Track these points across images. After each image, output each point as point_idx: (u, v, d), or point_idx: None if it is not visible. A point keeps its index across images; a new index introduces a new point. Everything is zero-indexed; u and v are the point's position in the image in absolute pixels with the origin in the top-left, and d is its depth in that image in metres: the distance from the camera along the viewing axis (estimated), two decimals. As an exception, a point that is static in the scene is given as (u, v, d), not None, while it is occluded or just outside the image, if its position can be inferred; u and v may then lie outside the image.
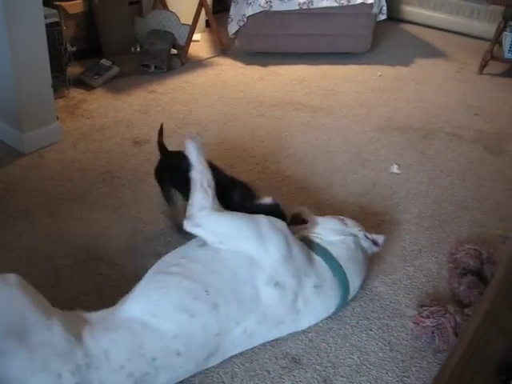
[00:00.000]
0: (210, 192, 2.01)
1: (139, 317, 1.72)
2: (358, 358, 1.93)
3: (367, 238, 2.18)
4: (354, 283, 2.09)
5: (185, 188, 2.18)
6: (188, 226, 1.98)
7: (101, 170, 2.89)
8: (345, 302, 2.08)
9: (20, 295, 1.61)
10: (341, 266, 2.03)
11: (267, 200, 2.17)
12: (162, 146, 2.45)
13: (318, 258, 2.01)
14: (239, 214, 2.00)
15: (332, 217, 2.25)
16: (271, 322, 1.89)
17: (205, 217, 1.97)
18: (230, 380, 1.82)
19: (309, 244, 2.06)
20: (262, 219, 1.98)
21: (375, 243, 2.20)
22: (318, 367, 1.88)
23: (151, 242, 2.41)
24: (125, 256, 2.32)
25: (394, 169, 3.05)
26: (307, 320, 2.00)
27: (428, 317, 2.00)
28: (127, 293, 1.84)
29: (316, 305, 1.98)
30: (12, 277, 1.65)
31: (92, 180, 2.81)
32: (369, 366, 1.90)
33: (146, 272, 1.91)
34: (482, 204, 2.82)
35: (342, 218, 2.23)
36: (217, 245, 1.92)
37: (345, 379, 1.84)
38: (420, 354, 1.95)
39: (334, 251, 2.06)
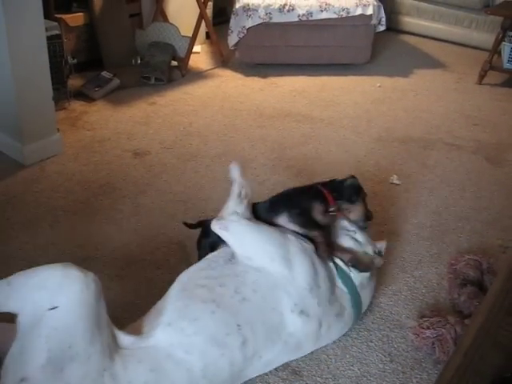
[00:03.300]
0: (245, 202, 2.00)
1: (172, 352, 1.66)
2: (359, 369, 1.92)
3: (376, 253, 2.14)
4: (366, 303, 2.10)
5: None
6: (216, 227, 1.96)
7: (101, 182, 2.90)
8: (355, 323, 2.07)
9: (85, 304, 1.56)
10: (359, 295, 2.02)
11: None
12: (197, 225, 2.31)
13: (341, 286, 2.00)
14: (270, 228, 1.97)
15: (346, 234, 2.15)
16: (291, 349, 1.88)
17: (234, 221, 1.94)
18: (231, 392, 1.82)
19: (333, 266, 2.03)
20: (292, 239, 1.95)
21: (379, 253, 2.17)
22: (318, 379, 1.88)
23: (151, 254, 2.41)
24: (125, 268, 2.32)
25: (394, 179, 3.06)
26: (323, 343, 1.99)
27: (428, 328, 2.00)
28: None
29: (335, 330, 1.98)
30: (76, 275, 1.59)
31: (93, 192, 2.81)
32: (369, 377, 1.90)
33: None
34: (481, 214, 2.82)
35: (353, 229, 2.16)
36: (244, 260, 1.89)
37: (345, 391, 1.84)
38: (420, 365, 1.95)
39: (356, 278, 2.03)
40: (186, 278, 1.90)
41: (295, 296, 1.85)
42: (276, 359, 1.86)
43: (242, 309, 1.78)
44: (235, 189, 2.04)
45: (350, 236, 2.14)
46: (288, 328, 1.83)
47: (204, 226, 2.22)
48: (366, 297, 2.08)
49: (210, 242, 2.13)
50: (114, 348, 1.61)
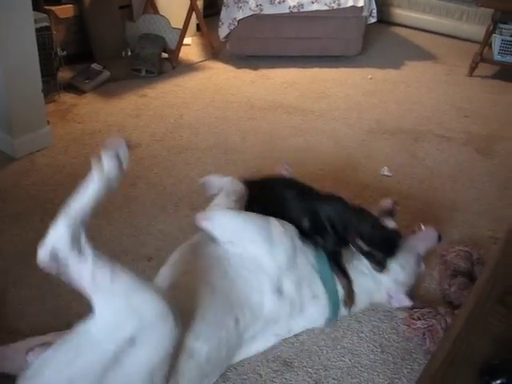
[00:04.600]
0: (232, 197, 2.05)
1: (185, 342, 1.63)
2: (350, 360, 1.93)
3: (390, 296, 2.08)
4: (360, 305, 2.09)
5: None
6: (198, 219, 1.97)
7: (92, 175, 2.88)
8: (336, 316, 2.05)
9: (159, 350, 1.47)
10: (336, 288, 2.00)
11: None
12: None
13: (317, 271, 2.00)
14: (252, 214, 2.00)
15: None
16: (270, 326, 1.90)
17: (217, 212, 1.98)
18: (222, 383, 1.82)
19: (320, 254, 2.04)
20: (273, 221, 1.98)
21: (391, 297, 2.09)
22: (309, 370, 1.88)
23: (142, 246, 2.40)
24: (116, 260, 2.31)
25: (385, 171, 3.06)
26: (300, 324, 2.00)
27: (419, 318, 2.01)
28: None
29: (310, 312, 1.98)
30: (171, 320, 1.47)
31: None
32: (360, 368, 1.90)
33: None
34: (472, 205, 2.83)
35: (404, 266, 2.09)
36: (227, 245, 1.92)
37: (336, 382, 1.85)
38: (411, 355, 1.96)
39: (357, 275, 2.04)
40: (179, 255, 1.98)
41: (273, 276, 1.89)
42: (259, 335, 1.88)
43: (231, 289, 1.82)
44: (224, 188, 2.10)
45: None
46: (266, 306, 1.87)
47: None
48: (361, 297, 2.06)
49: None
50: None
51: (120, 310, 1.42)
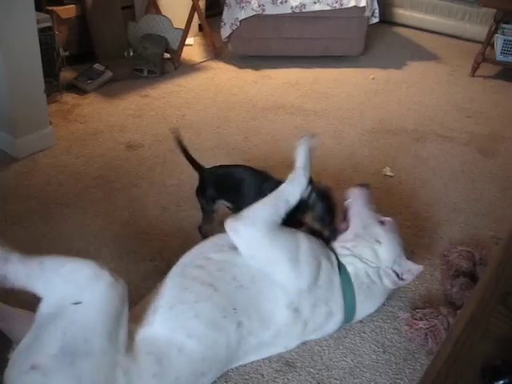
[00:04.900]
0: (282, 211, 1.96)
1: (174, 336, 1.67)
2: (352, 360, 1.93)
3: (395, 273, 2.04)
4: (363, 312, 2.06)
5: (233, 197, 2.24)
6: (228, 226, 1.91)
7: (94, 175, 2.89)
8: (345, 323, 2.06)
9: (108, 303, 1.57)
10: (354, 300, 1.98)
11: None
12: (196, 165, 2.37)
13: (339, 288, 1.97)
14: (282, 232, 1.92)
15: (367, 243, 2.05)
16: (281, 339, 1.89)
17: (246, 226, 1.89)
18: (224, 383, 1.82)
19: (339, 265, 2.01)
20: (304, 242, 1.93)
21: (399, 277, 2.05)
22: (311, 370, 1.88)
23: (145, 247, 2.41)
24: (118, 261, 2.31)
25: (387, 171, 3.06)
26: (312, 337, 2.00)
27: (421, 319, 2.01)
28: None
29: (323, 326, 1.98)
30: (106, 276, 1.59)
31: (85, 185, 2.81)
32: (362, 368, 1.90)
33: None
34: (474, 206, 2.83)
35: (379, 241, 2.05)
36: (247, 258, 1.87)
37: (338, 382, 1.85)
38: (413, 356, 1.96)
39: (357, 282, 1.99)
40: (187, 259, 1.93)
41: (293, 295, 1.86)
42: (269, 344, 1.87)
43: (238, 295, 1.80)
44: (281, 187, 2.02)
45: (372, 248, 2.05)
46: (281, 320, 1.84)
47: (205, 172, 2.33)
48: (365, 304, 2.04)
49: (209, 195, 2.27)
50: (127, 343, 1.60)
51: (56, 284, 1.56)
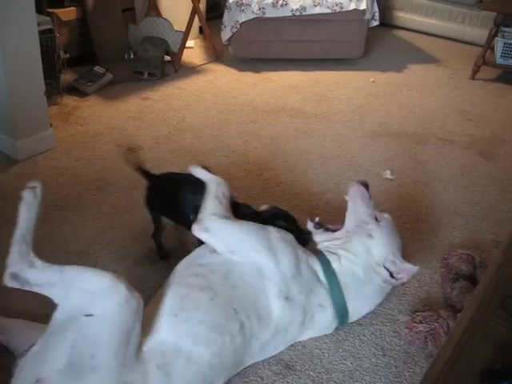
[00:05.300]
0: (224, 202, 2.01)
1: (180, 345, 1.65)
2: (351, 363, 1.93)
3: (388, 271, 2.02)
4: (357, 310, 2.05)
5: (175, 215, 2.24)
6: (196, 230, 1.94)
7: (94, 177, 2.89)
8: (343, 324, 2.05)
9: (120, 319, 1.55)
10: (342, 295, 1.98)
11: (264, 207, 2.18)
12: (144, 171, 2.34)
13: (324, 281, 1.98)
14: (249, 223, 1.98)
15: (359, 237, 2.06)
16: (281, 333, 1.89)
17: (214, 222, 1.93)
18: (224, 386, 1.82)
19: (325, 261, 2.03)
20: (272, 230, 1.97)
21: (392, 275, 2.04)
22: (311, 373, 1.88)
23: (144, 249, 2.40)
24: (117, 263, 2.31)
25: (387, 174, 3.06)
26: (308, 334, 2.00)
27: (421, 322, 2.01)
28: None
29: (318, 321, 1.97)
30: (122, 290, 1.59)
31: (85, 187, 2.81)
32: (362, 371, 1.90)
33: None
34: (474, 209, 2.83)
35: (371, 235, 2.05)
36: (227, 254, 1.90)
37: (338, 385, 1.85)
38: (413, 359, 1.96)
39: (342, 277, 1.99)
40: (180, 268, 1.93)
41: (280, 283, 1.87)
42: (270, 343, 1.87)
43: (234, 294, 1.81)
44: (211, 188, 2.05)
45: (364, 245, 2.05)
46: (275, 312, 1.85)
47: (150, 179, 2.31)
48: (357, 301, 2.03)
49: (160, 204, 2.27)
50: (135, 357, 1.59)
51: (72, 292, 1.57)
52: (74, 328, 1.51)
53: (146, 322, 1.72)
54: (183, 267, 1.94)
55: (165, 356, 1.63)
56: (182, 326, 1.70)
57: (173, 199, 2.21)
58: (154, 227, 2.35)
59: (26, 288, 1.61)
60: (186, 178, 2.22)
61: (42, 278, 1.61)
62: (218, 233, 1.93)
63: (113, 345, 1.52)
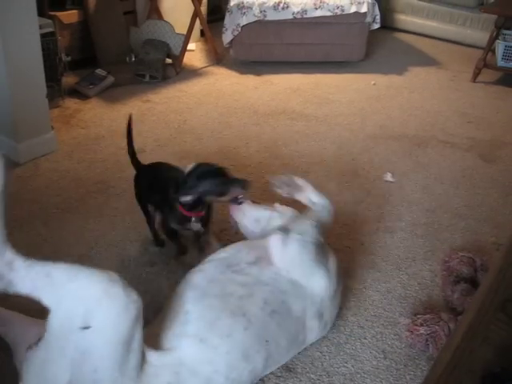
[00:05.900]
0: (319, 226, 2.02)
1: (200, 369, 1.59)
2: (352, 366, 1.93)
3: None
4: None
5: (159, 202, 2.27)
6: (276, 239, 1.93)
7: (96, 180, 2.90)
8: None
9: (119, 329, 1.45)
10: None
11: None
12: (134, 160, 2.49)
13: None
14: (314, 246, 1.93)
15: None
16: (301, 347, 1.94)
17: (295, 242, 1.91)
18: (225, 389, 1.82)
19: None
20: (331, 255, 2.01)
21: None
22: (312, 376, 1.88)
23: (145, 251, 2.41)
24: (119, 266, 2.32)
25: (388, 177, 3.06)
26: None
27: (422, 325, 2.00)
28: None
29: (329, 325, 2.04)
30: (119, 295, 1.46)
31: (87, 190, 2.81)
32: (363, 374, 1.90)
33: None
34: (475, 211, 2.83)
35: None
36: (282, 271, 1.87)
37: (339, 388, 1.85)
38: (414, 362, 1.96)
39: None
40: (205, 281, 1.81)
41: (319, 303, 1.90)
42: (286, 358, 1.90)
43: (271, 323, 1.77)
44: (313, 212, 2.08)
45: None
46: (309, 335, 1.91)
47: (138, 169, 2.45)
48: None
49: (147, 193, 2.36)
50: (140, 368, 1.52)
51: (65, 299, 1.44)
52: (71, 343, 1.42)
53: (163, 332, 1.66)
54: (212, 271, 1.86)
55: (179, 376, 1.57)
56: (206, 352, 1.63)
57: (154, 186, 2.29)
58: (145, 216, 2.42)
59: (11, 292, 1.47)
60: (166, 165, 2.37)
61: (26, 281, 1.46)
62: (290, 252, 1.91)
63: (114, 357, 1.45)
